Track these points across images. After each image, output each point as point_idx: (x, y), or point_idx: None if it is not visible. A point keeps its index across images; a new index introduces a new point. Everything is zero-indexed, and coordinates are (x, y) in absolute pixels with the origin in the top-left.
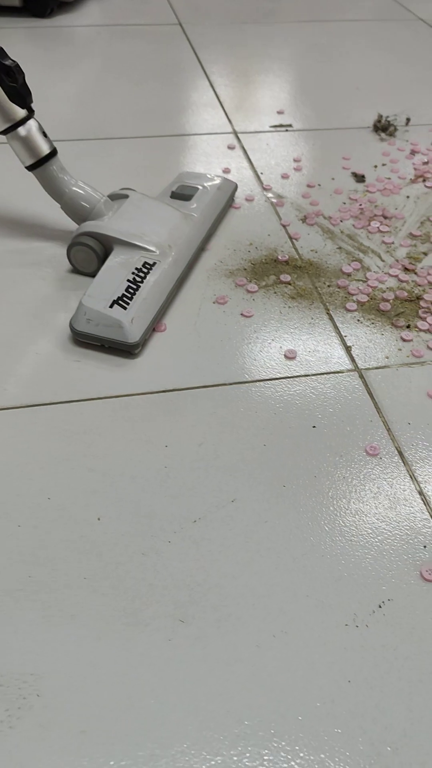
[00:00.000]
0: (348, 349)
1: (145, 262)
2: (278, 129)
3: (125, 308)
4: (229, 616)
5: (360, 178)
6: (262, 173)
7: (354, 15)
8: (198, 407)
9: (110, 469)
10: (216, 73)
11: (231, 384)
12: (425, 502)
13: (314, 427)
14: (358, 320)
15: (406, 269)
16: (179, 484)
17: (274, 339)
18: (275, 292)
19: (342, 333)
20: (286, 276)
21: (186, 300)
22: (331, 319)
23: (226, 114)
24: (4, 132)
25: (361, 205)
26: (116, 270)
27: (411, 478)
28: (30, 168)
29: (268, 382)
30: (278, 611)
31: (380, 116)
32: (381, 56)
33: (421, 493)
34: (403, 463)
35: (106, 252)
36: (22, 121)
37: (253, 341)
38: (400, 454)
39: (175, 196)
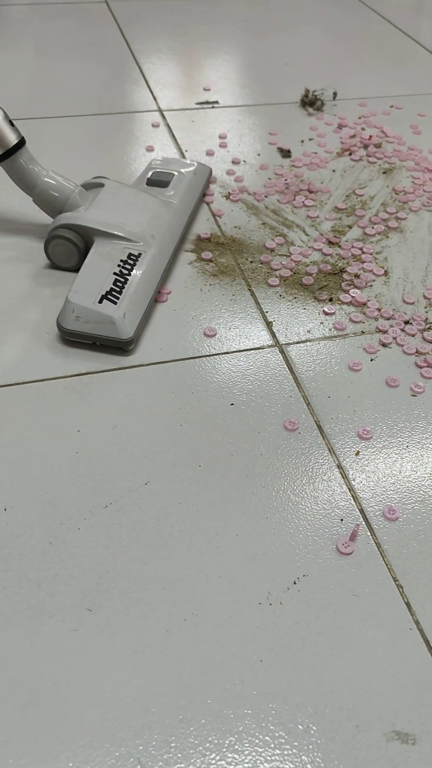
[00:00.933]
0: (269, 324)
1: (130, 254)
2: (204, 106)
3: (115, 303)
4: (138, 603)
5: (286, 153)
6: (186, 150)
7: None
8: (113, 390)
9: (19, 458)
10: (142, 50)
11: (148, 365)
12: (343, 475)
13: (232, 404)
14: (281, 295)
15: (330, 243)
16: (91, 470)
17: (193, 317)
18: (196, 270)
19: (263, 309)
20: (208, 253)
21: None
22: (252, 295)
23: (151, 92)
24: None
25: (286, 180)
26: (100, 263)
27: (330, 451)
28: None
29: (186, 361)
30: (190, 594)
31: (307, 91)
32: (311, 32)
33: (339, 466)
34: (322, 437)
35: (86, 244)
36: None
37: (171, 320)
38: (320, 428)
39: (151, 183)
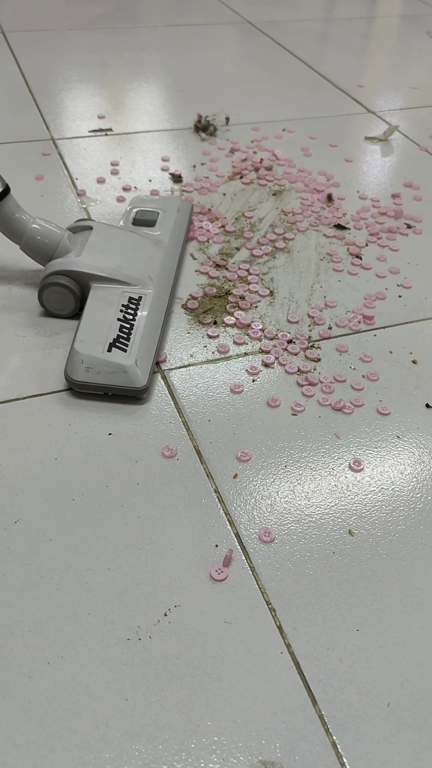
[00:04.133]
0: None
1: (131, 297)
2: (97, 134)
3: (125, 350)
4: (0, 649)
5: (177, 178)
6: (77, 178)
7: (183, 20)
8: None
9: None
10: (37, 79)
11: (22, 399)
12: (220, 499)
13: (110, 434)
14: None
15: (217, 265)
16: None
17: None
18: None
19: None
20: None
21: None
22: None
23: (44, 121)
24: None
25: None
26: (102, 309)
27: (207, 476)
28: None
29: (62, 393)
30: (56, 635)
31: (200, 116)
32: (208, 58)
33: (216, 491)
34: (201, 461)
35: (82, 290)
36: None
37: (47, 350)
38: (198, 452)
39: (137, 222)
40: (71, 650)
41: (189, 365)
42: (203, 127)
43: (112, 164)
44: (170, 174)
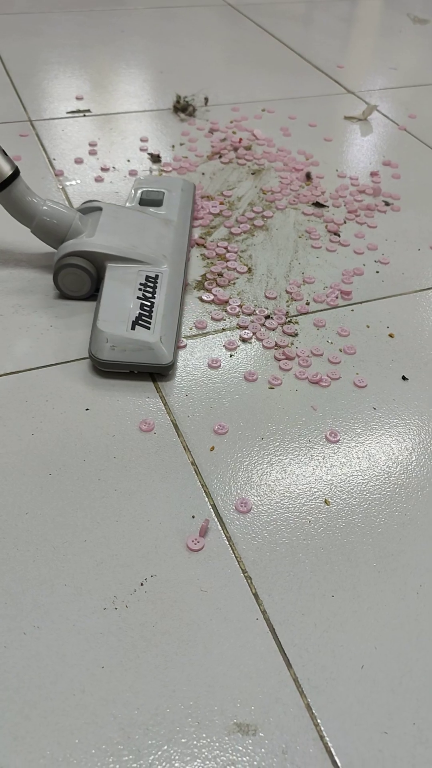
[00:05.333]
0: None
1: (147, 276)
2: (75, 115)
3: (148, 328)
4: None
5: (156, 158)
6: (54, 159)
7: (163, 2)
8: None
9: None
10: (13, 60)
11: (0, 376)
12: (197, 472)
13: (87, 409)
14: None
15: (196, 244)
16: None
17: (52, 326)
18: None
19: None
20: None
21: None
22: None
23: (21, 102)
24: None
25: None
26: (120, 288)
27: (185, 449)
28: None
29: (41, 369)
30: (32, 606)
31: (179, 97)
32: (187, 40)
33: (193, 463)
34: (178, 435)
35: (97, 271)
36: None
37: (30, 329)
38: (176, 426)
39: (144, 203)
40: (47, 620)
41: None
42: (182, 108)
43: (90, 145)
44: (149, 154)
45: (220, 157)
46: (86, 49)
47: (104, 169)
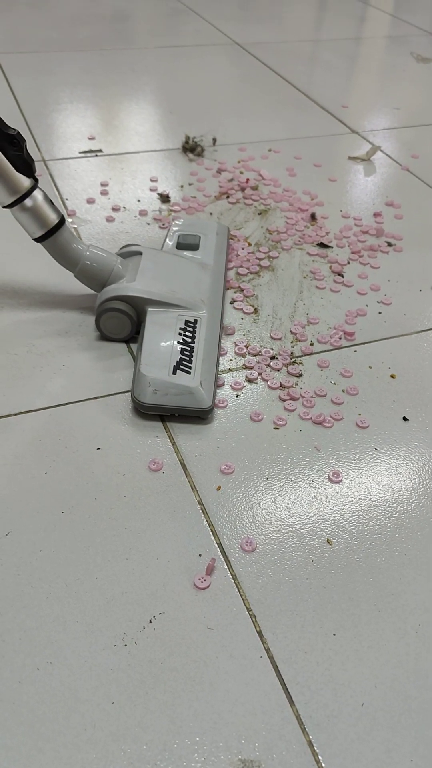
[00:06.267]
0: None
1: (186, 321)
2: (87, 155)
3: (189, 373)
4: None
5: (165, 198)
6: (67, 199)
7: (173, 41)
8: None
9: None
10: (28, 100)
11: (15, 414)
12: (204, 511)
13: (99, 449)
14: None
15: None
16: None
17: (65, 364)
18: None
19: (134, 350)
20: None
21: None
22: (126, 341)
23: (35, 142)
24: (11, 205)
25: (163, 224)
26: (161, 333)
27: (192, 488)
28: (39, 240)
29: (54, 408)
30: (46, 642)
31: (187, 137)
32: (196, 79)
33: (200, 502)
34: (185, 474)
35: (138, 315)
36: (29, 192)
37: (39, 368)
38: (183, 466)
39: (181, 246)
40: (60, 656)
41: None
42: (191, 148)
43: (102, 185)
44: (158, 194)
45: (228, 197)
46: (98, 88)
47: (115, 209)
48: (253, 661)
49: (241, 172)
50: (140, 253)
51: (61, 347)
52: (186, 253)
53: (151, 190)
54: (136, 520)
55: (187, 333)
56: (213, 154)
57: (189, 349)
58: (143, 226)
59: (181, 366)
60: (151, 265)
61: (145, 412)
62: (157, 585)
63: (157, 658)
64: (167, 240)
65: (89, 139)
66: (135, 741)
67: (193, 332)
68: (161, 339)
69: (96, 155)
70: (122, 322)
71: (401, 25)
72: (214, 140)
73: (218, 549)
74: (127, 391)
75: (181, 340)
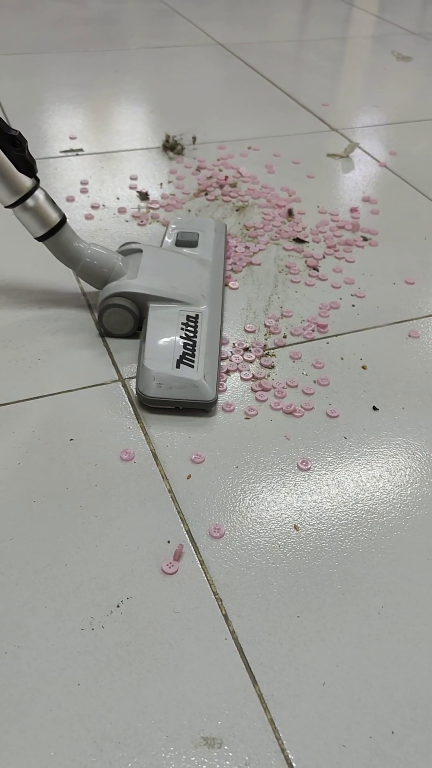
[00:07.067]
0: (114, 360)
1: (188, 316)
2: (68, 154)
3: (192, 366)
4: None
5: (144, 195)
6: None
7: (156, 42)
8: None
9: None
10: (10, 101)
11: None
12: (174, 499)
13: (72, 440)
14: None
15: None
16: None
17: (40, 358)
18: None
19: (109, 344)
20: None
21: None
22: (100, 334)
23: None
24: (13, 205)
25: (142, 221)
26: (163, 328)
27: (163, 477)
28: (41, 239)
29: (28, 401)
30: (14, 627)
31: (168, 136)
32: (178, 79)
33: (170, 491)
34: (156, 464)
35: (140, 311)
36: (30, 192)
37: (15, 362)
38: (154, 455)
39: (180, 244)
40: (28, 641)
41: None
42: (171, 147)
43: (82, 183)
44: (137, 192)
45: (206, 194)
46: (80, 89)
47: (94, 207)
48: (218, 643)
49: (220, 170)
50: (140, 251)
51: (37, 341)
52: (185, 250)
53: (130, 188)
54: (107, 509)
55: (189, 328)
56: (193, 153)
57: (191, 343)
58: (121, 223)
59: (184, 360)
60: (152, 262)
61: (150, 405)
62: (126, 570)
63: (124, 641)
64: (166, 237)
65: (70, 138)
66: (100, 720)
67: (195, 327)
68: (164, 334)
69: (77, 154)
70: (125, 318)
71: (385, 25)
72: (194, 139)
73: (187, 535)
74: (101, 384)
75: (184, 335)
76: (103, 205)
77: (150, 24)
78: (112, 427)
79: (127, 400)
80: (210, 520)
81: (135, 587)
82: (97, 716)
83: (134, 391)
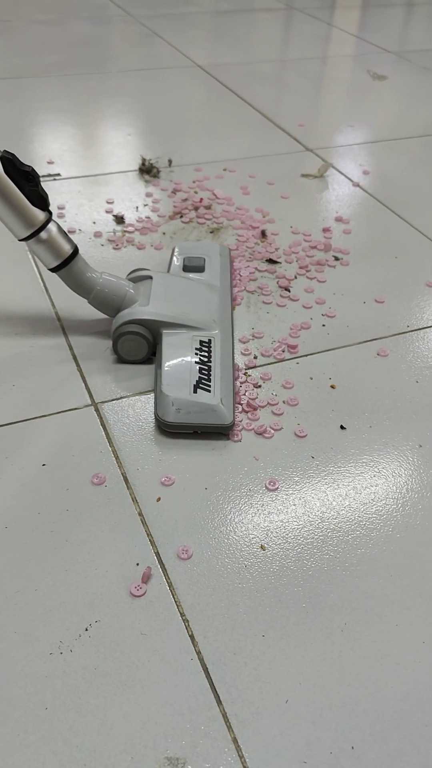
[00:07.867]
0: (87, 384)
1: (201, 341)
2: (46, 179)
3: (209, 391)
4: None
5: (120, 219)
6: None
7: (135, 65)
8: None
9: None
10: None
11: None
12: (143, 522)
13: (44, 465)
14: (103, 354)
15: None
16: None
17: (14, 384)
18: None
19: (83, 369)
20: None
21: None
22: (74, 356)
23: None
24: (27, 238)
25: (117, 245)
26: (178, 354)
27: (133, 500)
28: (54, 270)
29: (1, 428)
30: None
31: (144, 159)
32: (156, 102)
33: (140, 513)
34: (127, 487)
35: (153, 337)
36: (44, 225)
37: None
38: (125, 479)
39: (188, 269)
40: None
41: (121, 398)
42: (147, 170)
43: (59, 208)
44: (113, 216)
45: (181, 216)
46: (59, 113)
47: (71, 232)
48: (183, 664)
49: (196, 192)
50: (150, 278)
51: (11, 367)
52: (192, 275)
53: (106, 212)
54: (78, 533)
55: (203, 352)
56: (169, 175)
57: (207, 368)
58: (97, 247)
59: (200, 385)
60: (163, 289)
61: (169, 430)
62: (95, 594)
63: (91, 664)
64: (173, 262)
65: (48, 163)
66: (66, 743)
67: (209, 351)
68: (179, 359)
69: (54, 179)
70: (139, 345)
71: (362, 44)
72: (170, 162)
73: (155, 558)
74: (74, 409)
75: (198, 360)
76: (80, 230)
77: (129, 47)
78: (84, 452)
79: (100, 424)
80: (178, 542)
81: (103, 610)
82: (64, 740)
83: (105, 417)
